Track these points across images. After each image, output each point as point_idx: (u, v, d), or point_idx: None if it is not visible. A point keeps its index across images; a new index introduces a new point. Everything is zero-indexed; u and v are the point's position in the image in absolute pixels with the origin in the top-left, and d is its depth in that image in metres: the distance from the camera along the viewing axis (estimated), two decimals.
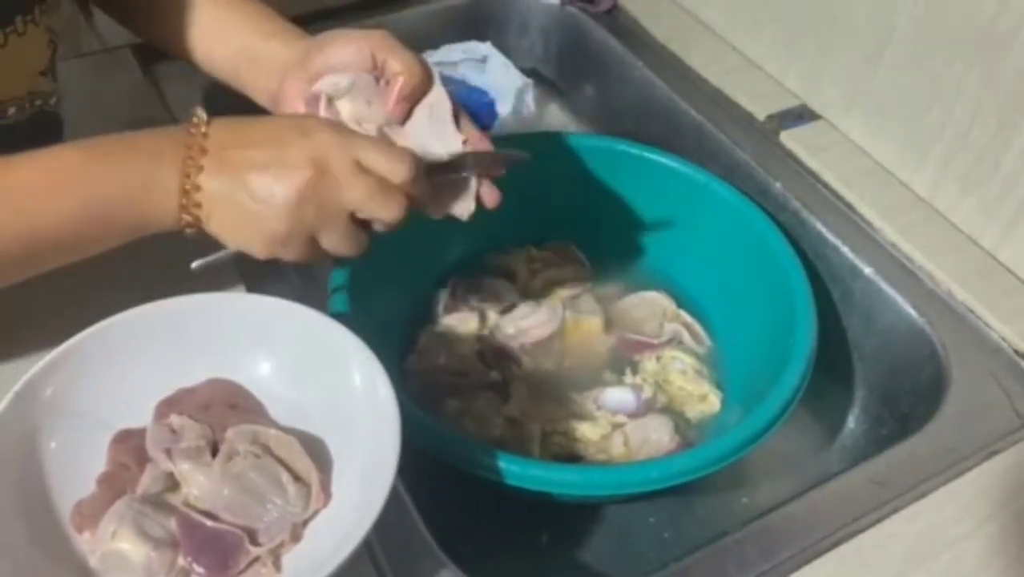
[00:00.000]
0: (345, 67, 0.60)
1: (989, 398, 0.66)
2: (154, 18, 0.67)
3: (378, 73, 0.61)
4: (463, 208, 0.60)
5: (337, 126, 0.55)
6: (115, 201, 0.51)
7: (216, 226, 0.53)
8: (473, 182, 0.60)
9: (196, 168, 0.51)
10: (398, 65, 0.59)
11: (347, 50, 0.60)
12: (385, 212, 0.54)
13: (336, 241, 0.54)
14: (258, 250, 0.53)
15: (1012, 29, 0.67)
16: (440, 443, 0.60)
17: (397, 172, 0.53)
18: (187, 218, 0.52)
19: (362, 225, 0.55)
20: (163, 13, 0.66)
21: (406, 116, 0.60)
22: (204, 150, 0.52)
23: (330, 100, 0.60)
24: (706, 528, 0.70)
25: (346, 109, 0.60)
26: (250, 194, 0.51)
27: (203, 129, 0.52)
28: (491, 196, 0.61)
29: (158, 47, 0.71)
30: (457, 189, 0.60)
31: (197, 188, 0.52)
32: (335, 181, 0.52)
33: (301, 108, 0.60)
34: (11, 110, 0.61)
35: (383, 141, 0.57)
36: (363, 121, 0.60)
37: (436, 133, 0.60)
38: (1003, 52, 0.69)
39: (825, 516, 0.58)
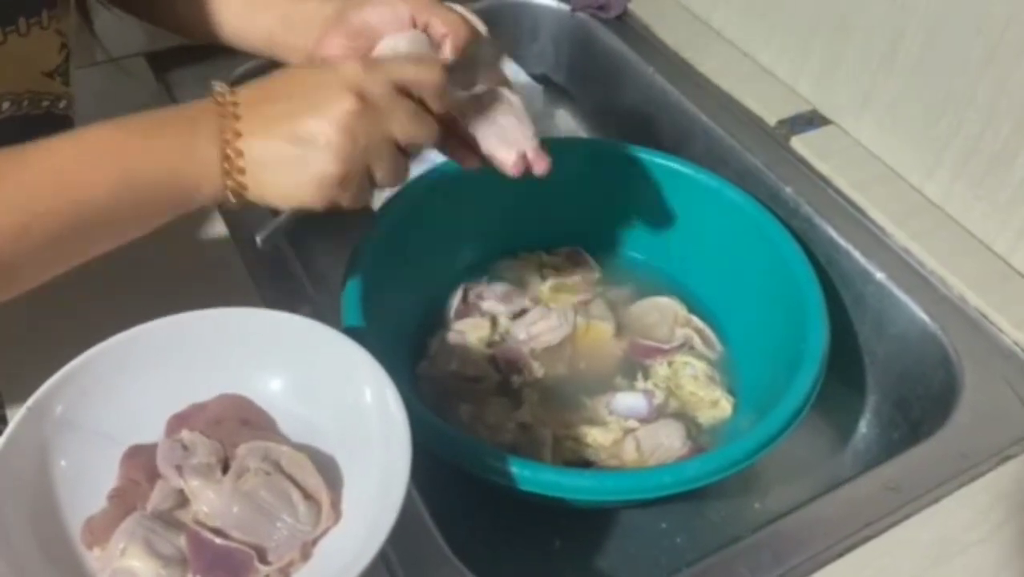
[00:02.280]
0: (383, 27, 0.59)
1: (1002, 403, 0.66)
2: (181, 2, 0.67)
3: (421, 26, 0.60)
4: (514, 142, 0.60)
5: (360, 57, 0.54)
6: (155, 173, 0.49)
7: (265, 187, 0.51)
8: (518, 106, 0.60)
9: (234, 133, 0.50)
10: (442, 25, 0.58)
11: (383, 11, 0.59)
12: (422, 133, 0.53)
13: (387, 171, 0.53)
14: (315, 199, 0.51)
15: (1023, 35, 0.67)
16: (452, 448, 0.60)
17: (432, 75, 0.53)
18: (231, 184, 0.50)
19: (402, 152, 0.54)
20: None
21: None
22: (237, 115, 0.50)
23: None
24: (718, 533, 0.70)
25: None
26: (297, 142, 0.49)
27: (229, 97, 0.51)
28: (541, 163, 0.60)
29: (180, 33, 0.70)
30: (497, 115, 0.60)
31: (239, 153, 0.50)
32: (377, 107, 0.51)
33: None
34: (4, 104, 0.61)
35: (406, 57, 0.56)
36: None
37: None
38: (1014, 58, 0.68)
39: (838, 521, 0.58)
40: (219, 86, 0.52)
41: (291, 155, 0.50)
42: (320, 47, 0.61)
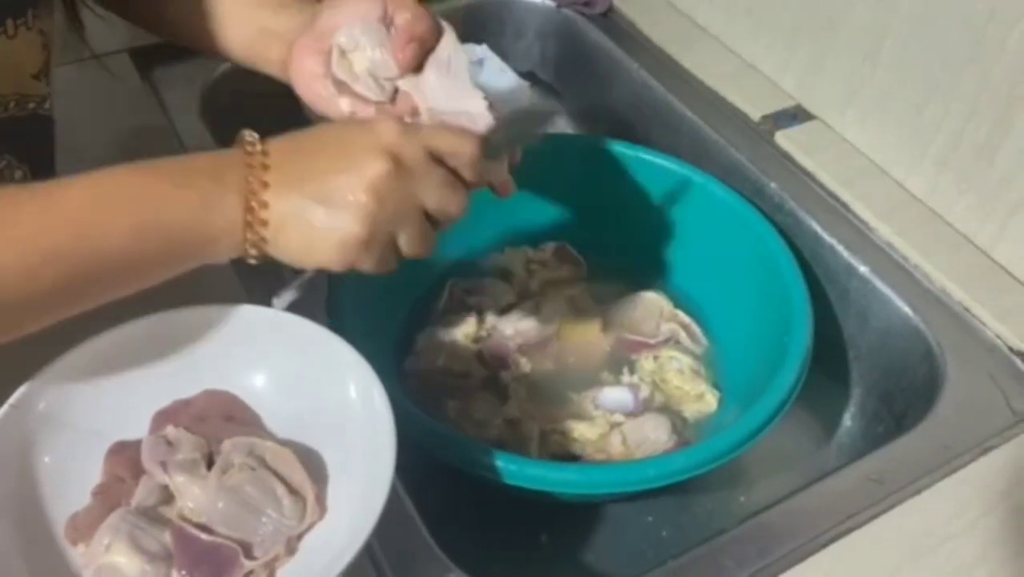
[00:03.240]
0: (358, 21, 0.59)
1: (984, 395, 0.67)
2: (167, 9, 0.66)
3: (388, 22, 0.59)
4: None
5: (395, 118, 0.52)
6: (172, 221, 0.47)
7: (285, 244, 0.49)
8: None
9: (261, 184, 0.48)
10: (406, 13, 0.58)
11: (360, 5, 0.59)
12: (454, 204, 0.52)
13: (413, 240, 0.51)
14: (335, 261, 0.49)
15: (1005, 30, 0.68)
16: (439, 443, 0.60)
17: (467, 146, 0.52)
18: (252, 237, 0.48)
19: (431, 221, 0.52)
20: (179, 4, 0.65)
21: (416, 63, 0.58)
22: (267, 166, 0.48)
23: (343, 53, 0.58)
24: (704, 526, 0.71)
25: (359, 60, 0.58)
26: (324, 200, 0.48)
27: (259, 147, 0.49)
28: (506, 187, 0.59)
29: (162, 35, 0.70)
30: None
31: (264, 205, 0.48)
32: (410, 172, 0.49)
33: (312, 65, 0.59)
34: None
35: (441, 125, 0.55)
36: (378, 71, 0.58)
37: (453, 89, 0.58)
38: (997, 52, 0.69)
39: (822, 513, 0.58)
40: (249, 135, 0.50)
41: (317, 213, 0.48)
42: (292, 51, 0.60)
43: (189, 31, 0.66)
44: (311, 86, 0.60)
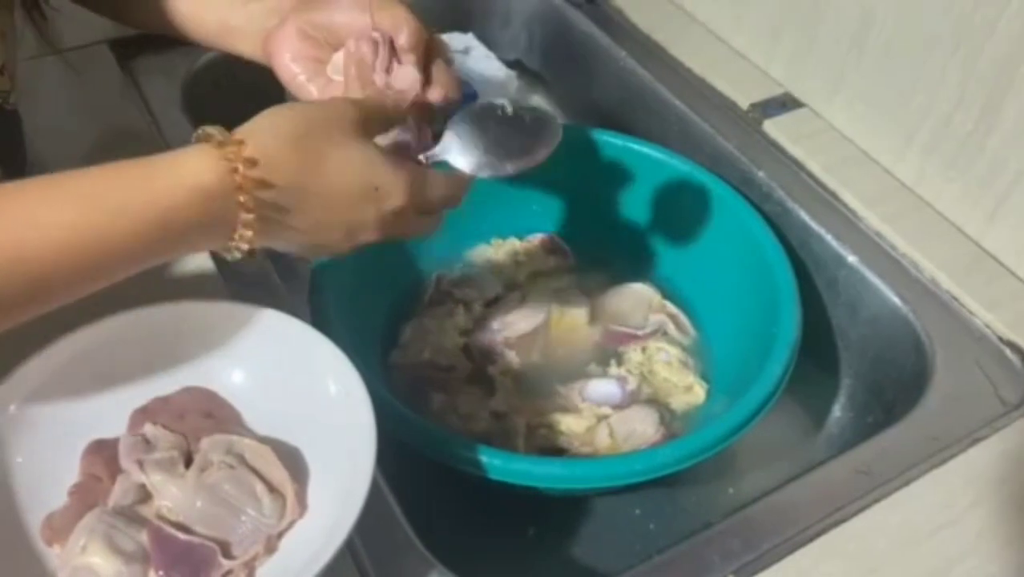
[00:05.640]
0: (346, 30, 0.57)
1: (973, 385, 0.66)
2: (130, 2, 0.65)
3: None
4: None
5: (410, 179, 0.51)
6: (126, 268, 0.45)
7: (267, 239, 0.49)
8: None
9: (245, 224, 0.45)
10: (387, 20, 0.57)
11: (351, 14, 0.57)
12: (428, 233, 0.56)
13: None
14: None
15: (993, 15, 0.67)
16: (423, 438, 0.60)
17: (458, 198, 0.56)
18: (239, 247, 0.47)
19: None
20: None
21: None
22: (249, 208, 0.45)
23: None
24: (692, 519, 0.70)
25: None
26: (314, 246, 0.51)
27: (242, 172, 0.44)
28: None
29: (131, 23, 0.69)
30: None
31: (249, 238, 0.46)
32: (395, 230, 0.52)
33: (292, 67, 0.58)
34: None
35: (445, 177, 0.55)
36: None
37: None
38: (985, 38, 0.68)
39: (809, 506, 0.58)
40: (222, 139, 0.45)
41: (302, 243, 0.51)
42: (274, 38, 0.58)
43: (155, 24, 0.65)
44: (290, 68, 0.58)
